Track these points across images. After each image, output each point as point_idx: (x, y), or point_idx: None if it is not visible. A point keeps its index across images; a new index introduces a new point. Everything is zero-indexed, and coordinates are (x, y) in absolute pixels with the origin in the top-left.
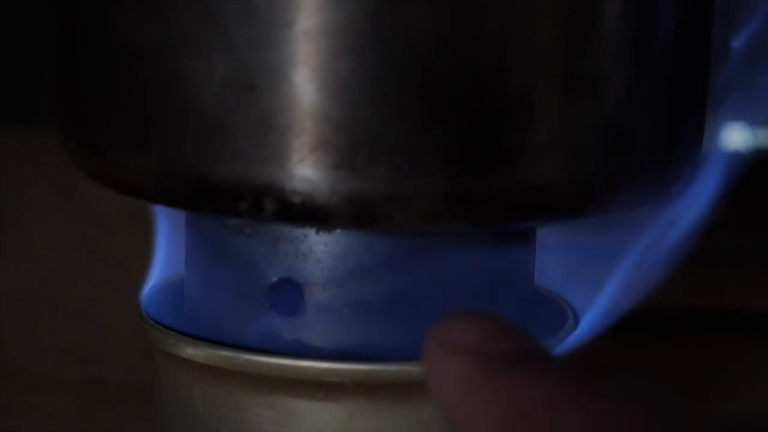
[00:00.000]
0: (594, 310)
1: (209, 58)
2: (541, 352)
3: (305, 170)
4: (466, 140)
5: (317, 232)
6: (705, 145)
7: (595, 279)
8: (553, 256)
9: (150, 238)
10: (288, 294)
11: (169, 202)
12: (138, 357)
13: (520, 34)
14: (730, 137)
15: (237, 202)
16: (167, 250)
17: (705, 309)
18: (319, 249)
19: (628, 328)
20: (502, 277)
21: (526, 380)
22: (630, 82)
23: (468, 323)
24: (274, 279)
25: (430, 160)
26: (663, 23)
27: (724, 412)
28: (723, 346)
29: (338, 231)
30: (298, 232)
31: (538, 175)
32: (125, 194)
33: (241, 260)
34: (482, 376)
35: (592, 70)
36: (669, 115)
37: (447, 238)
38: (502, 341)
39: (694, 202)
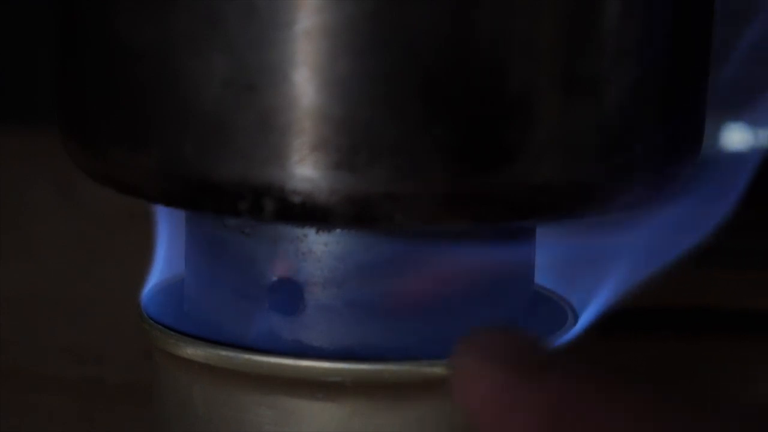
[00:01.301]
0: (592, 308)
1: (209, 58)
2: (571, 361)
3: (305, 170)
4: (466, 140)
5: (317, 232)
6: (705, 145)
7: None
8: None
9: (150, 238)
10: (288, 294)
11: (169, 202)
12: (138, 357)
13: (520, 34)
14: (730, 137)
15: (237, 202)
16: (167, 250)
17: (703, 308)
18: (319, 249)
19: (626, 326)
20: (502, 277)
21: (565, 383)
22: (630, 82)
23: (497, 334)
24: (274, 279)
25: (430, 160)
26: (663, 23)
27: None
28: (721, 345)
29: (338, 231)
30: (298, 231)
31: (538, 174)
32: (125, 194)
33: (241, 260)
34: (517, 380)
35: (592, 70)
36: (669, 115)
37: (447, 238)
38: (533, 350)
39: (714, 204)
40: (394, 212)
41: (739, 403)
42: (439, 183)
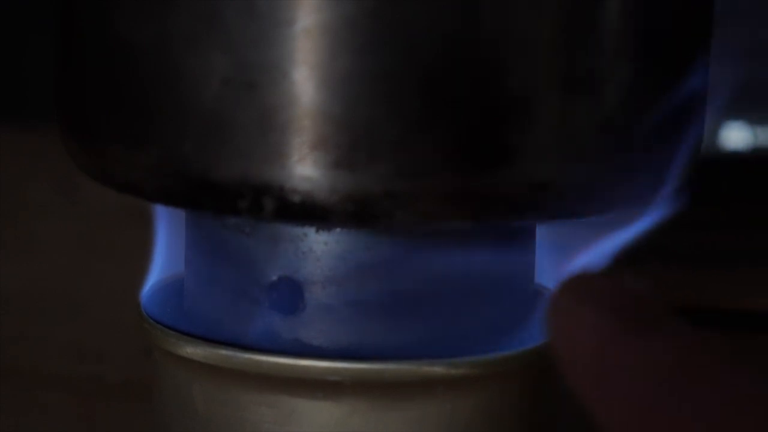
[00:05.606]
0: None
1: (209, 56)
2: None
3: (305, 169)
4: (465, 138)
5: (317, 231)
6: (704, 144)
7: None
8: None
9: (150, 237)
10: (288, 293)
11: (168, 201)
12: (138, 355)
13: (520, 32)
14: (729, 136)
15: (236, 201)
16: (167, 249)
17: (703, 308)
18: (319, 248)
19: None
20: (502, 276)
21: (678, 344)
22: (630, 82)
23: (602, 280)
24: (274, 278)
25: (429, 159)
26: (663, 22)
27: None
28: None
29: (338, 230)
30: (297, 230)
31: (538, 173)
32: (125, 193)
33: (240, 259)
34: (624, 334)
35: (592, 69)
36: (669, 115)
37: (447, 236)
38: (640, 303)
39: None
40: (394, 211)
41: None
42: (439, 181)
